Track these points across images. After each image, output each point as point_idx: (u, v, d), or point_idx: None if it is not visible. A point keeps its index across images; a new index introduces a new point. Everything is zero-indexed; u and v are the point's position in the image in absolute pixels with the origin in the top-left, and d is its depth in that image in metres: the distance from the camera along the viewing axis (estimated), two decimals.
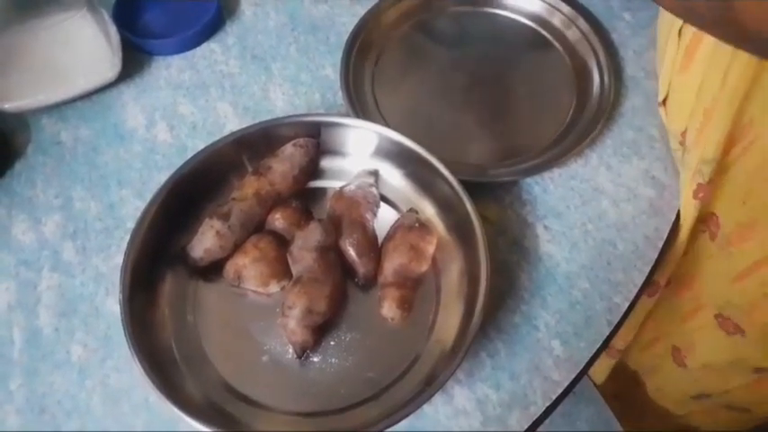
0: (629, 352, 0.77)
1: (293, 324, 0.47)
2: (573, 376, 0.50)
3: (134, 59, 0.66)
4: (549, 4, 0.68)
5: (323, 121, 0.55)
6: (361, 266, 0.51)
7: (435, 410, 0.49)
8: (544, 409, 0.49)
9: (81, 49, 0.65)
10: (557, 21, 0.68)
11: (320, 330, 0.49)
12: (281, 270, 0.51)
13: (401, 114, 0.62)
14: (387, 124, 0.59)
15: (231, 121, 0.63)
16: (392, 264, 0.50)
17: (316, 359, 0.49)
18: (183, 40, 0.67)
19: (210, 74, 0.67)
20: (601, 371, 0.80)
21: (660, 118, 0.61)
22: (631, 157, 0.61)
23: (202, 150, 0.53)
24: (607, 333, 0.52)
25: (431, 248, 0.51)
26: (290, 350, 0.48)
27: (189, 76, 0.66)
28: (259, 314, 0.50)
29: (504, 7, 0.70)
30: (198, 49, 0.68)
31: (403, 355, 0.48)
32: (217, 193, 0.54)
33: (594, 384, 0.84)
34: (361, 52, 0.65)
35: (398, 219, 0.53)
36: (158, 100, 0.65)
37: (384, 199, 0.55)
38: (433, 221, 0.53)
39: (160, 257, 0.51)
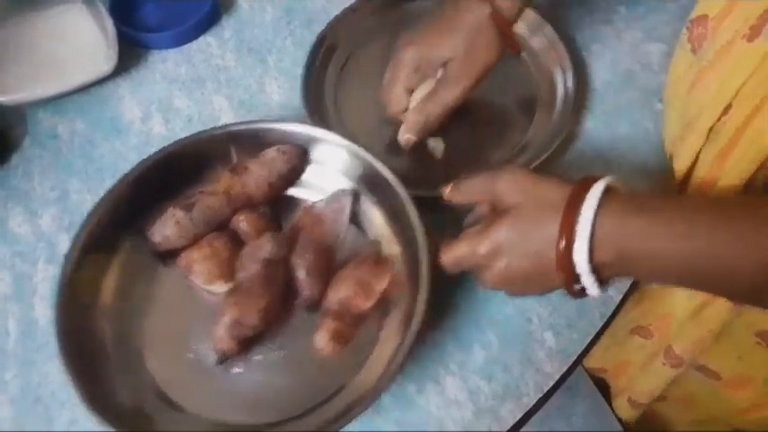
0: (675, 419, 0.76)
1: (221, 331, 0.47)
2: (565, 368, 0.50)
3: (130, 53, 0.66)
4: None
5: (312, 136, 0.54)
6: (306, 288, 0.49)
7: (426, 401, 0.49)
8: (536, 400, 0.49)
9: (77, 42, 0.65)
10: (522, 28, 0.65)
11: (248, 342, 0.48)
12: (229, 272, 0.50)
13: (364, 126, 0.61)
14: (350, 136, 0.56)
15: (226, 115, 0.63)
16: (337, 294, 0.48)
17: (238, 369, 0.48)
18: (179, 33, 0.67)
19: (206, 67, 0.67)
20: (628, 416, 0.79)
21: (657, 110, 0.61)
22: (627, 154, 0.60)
23: (186, 138, 0.53)
24: (600, 325, 0.52)
25: (380, 286, 0.49)
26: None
27: (185, 69, 0.67)
28: (201, 310, 0.50)
29: None
30: (194, 42, 0.68)
31: (326, 386, 0.47)
32: (204, 180, 0.54)
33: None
34: (327, 56, 0.64)
35: (357, 249, 0.52)
36: (154, 93, 0.65)
37: (356, 222, 0.54)
38: (395, 257, 0.51)
39: (125, 232, 0.52)
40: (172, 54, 0.68)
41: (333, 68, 0.65)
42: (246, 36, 0.69)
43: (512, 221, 0.41)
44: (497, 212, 0.42)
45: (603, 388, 0.84)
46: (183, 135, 0.61)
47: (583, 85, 0.64)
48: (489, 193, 0.43)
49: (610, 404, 0.84)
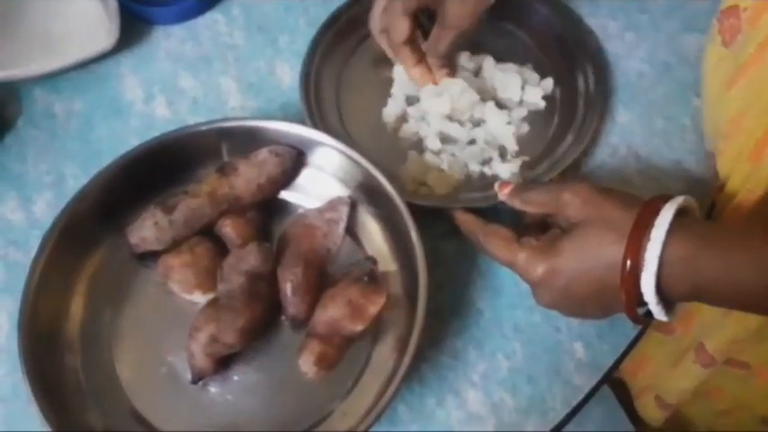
0: (696, 413, 0.74)
1: (195, 348, 0.43)
2: (595, 381, 0.47)
3: (132, 28, 0.62)
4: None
5: (311, 139, 0.50)
6: (292, 306, 0.46)
7: (447, 415, 0.46)
8: (564, 415, 0.46)
9: (76, 15, 0.61)
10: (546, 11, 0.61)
11: (225, 360, 0.45)
12: (210, 282, 0.46)
13: (366, 130, 0.57)
14: (350, 139, 0.53)
15: (234, 98, 0.59)
16: (325, 314, 0.44)
17: (213, 389, 0.45)
18: (184, 8, 0.63)
19: (213, 46, 0.63)
20: (655, 417, 0.77)
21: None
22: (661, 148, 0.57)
23: (174, 131, 0.50)
24: (633, 336, 0.49)
25: (373, 309, 0.44)
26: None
27: (190, 47, 0.62)
28: (177, 320, 0.46)
29: None
30: (201, 18, 0.64)
31: (309, 412, 0.44)
32: (193, 177, 0.50)
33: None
34: (324, 56, 0.59)
35: (351, 265, 0.47)
36: (157, 72, 0.61)
37: (352, 233, 0.50)
38: (391, 278, 0.47)
39: (106, 228, 0.49)
40: (176, 30, 0.63)
41: (333, 67, 0.60)
42: (256, 13, 0.65)
43: (575, 243, 0.39)
44: (554, 233, 0.40)
45: (616, 385, 0.82)
46: (187, 118, 0.58)
47: (616, 76, 0.60)
48: (553, 206, 0.41)
49: (624, 403, 0.82)
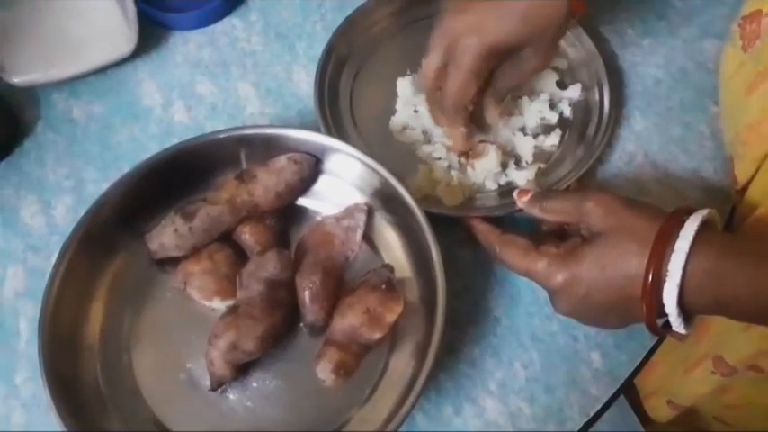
0: (706, 407, 0.73)
1: (215, 355, 0.43)
2: (612, 391, 0.47)
3: (151, 34, 0.62)
4: None
5: (329, 147, 0.49)
6: (311, 314, 0.46)
7: (465, 423, 0.46)
8: (581, 425, 0.46)
9: (95, 21, 0.61)
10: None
11: (244, 368, 0.45)
12: (229, 288, 0.47)
13: (378, 137, 0.56)
14: (366, 148, 0.53)
15: (252, 103, 0.60)
16: (343, 321, 0.45)
17: (232, 396, 0.45)
18: (202, 14, 0.63)
19: (231, 51, 0.63)
20: (665, 416, 0.76)
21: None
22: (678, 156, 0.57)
23: (194, 138, 0.50)
24: (650, 346, 0.49)
25: (390, 317, 0.45)
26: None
27: (208, 53, 0.63)
28: (196, 326, 0.47)
29: None
30: (218, 24, 0.64)
31: (327, 419, 0.44)
32: (212, 184, 0.51)
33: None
34: (338, 64, 0.59)
35: (369, 272, 0.47)
36: (175, 78, 0.61)
37: (369, 240, 0.50)
38: (408, 286, 0.47)
39: (125, 233, 0.49)
40: (195, 36, 0.64)
41: (347, 73, 0.60)
42: (274, 19, 0.65)
43: (596, 252, 0.38)
44: (575, 241, 0.40)
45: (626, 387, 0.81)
46: (206, 124, 0.59)
47: (633, 83, 0.60)
48: (574, 215, 0.41)
49: (631, 401, 0.82)
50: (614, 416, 0.80)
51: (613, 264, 0.38)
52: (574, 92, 0.58)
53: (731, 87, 0.53)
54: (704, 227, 0.37)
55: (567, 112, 0.57)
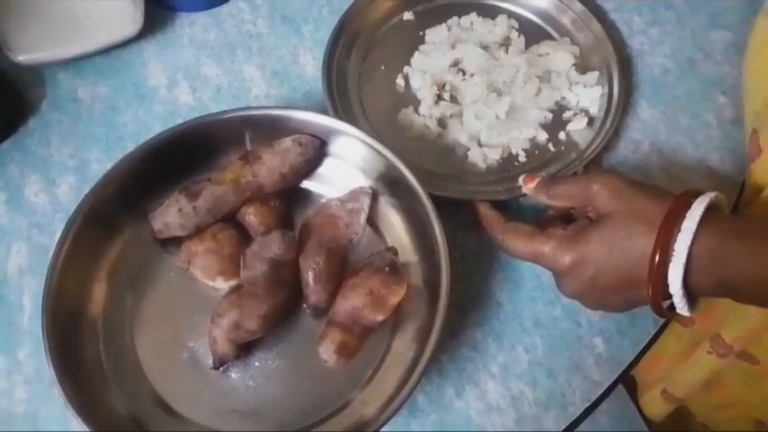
0: (696, 405, 0.73)
1: (218, 333, 0.43)
2: (615, 377, 0.47)
3: (157, 15, 0.62)
4: (560, 1, 0.61)
5: (334, 129, 0.49)
6: (313, 295, 0.46)
7: (467, 406, 0.46)
8: (583, 410, 0.46)
9: (102, 1, 0.61)
10: (566, 20, 0.61)
11: (247, 347, 0.45)
12: (232, 268, 0.47)
13: (386, 122, 0.56)
14: (372, 131, 0.53)
15: (258, 86, 0.59)
16: (346, 303, 0.45)
17: (234, 375, 0.45)
18: None
19: (237, 34, 0.63)
20: (658, 413, 0.76)
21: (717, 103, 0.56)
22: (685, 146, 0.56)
23: (199, 117, 0.49)
24: (653, 332, 0.48)
25: (394, 300, 0.45)
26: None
27: (214, 35, 0.63)
28: (199, 306, 0.47)
29: (510, 0, 0.63)
30: (225, 6, 0.64)
31: (329, 400, 0.44)
32: (216, 164, 0.50)
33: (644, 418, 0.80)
34: (346, 47, 0.59)
35: (372, 255, 0.47)
36: (181, 59, 0.61)
37: (373, 224, 0.50)
38: (412, 269, 0.47)
39: (129, 212, 0.49)
40: (200, 17, 0.63)
41: (356, 56, 0.60)
42: (280, 2, 0.64)
43: (604, 233, 0.38)
44: (582, 222, 0.39)
45: (625, 381, 0.81)
46: (211, 105, 0.59)
47: (640, 72, 0.60)
48: (581, 198, 0.41)
49: (634, 401, 0.81)
50: (615, 411, 0.81)
51: (621, 245, 0.38)
52: (591, 78, 0.58)
53: (761, 57, 0.51)
54: (711, 209, 0.36)
55: (586, 101, 0.57)
